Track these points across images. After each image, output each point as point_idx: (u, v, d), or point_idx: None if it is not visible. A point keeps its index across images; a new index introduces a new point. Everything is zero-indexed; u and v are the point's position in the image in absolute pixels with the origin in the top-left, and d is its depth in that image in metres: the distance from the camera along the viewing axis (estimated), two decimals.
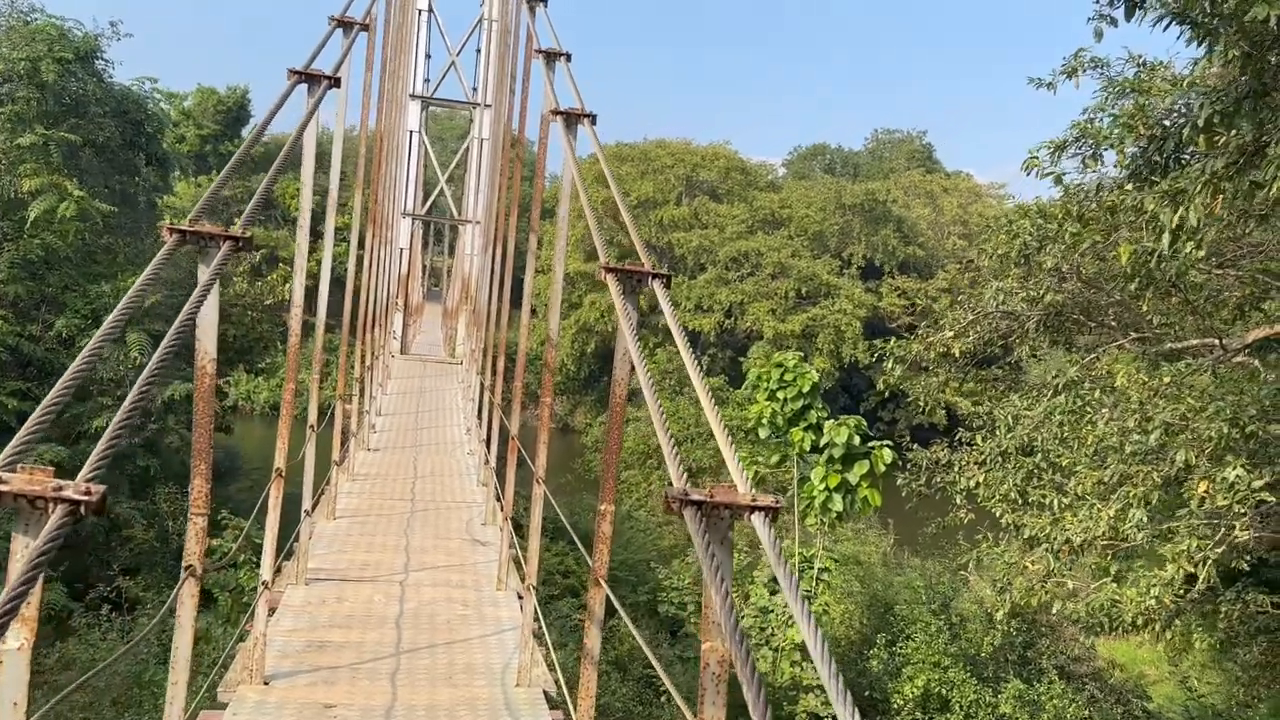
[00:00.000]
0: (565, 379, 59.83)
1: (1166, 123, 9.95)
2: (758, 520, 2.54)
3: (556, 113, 6.23)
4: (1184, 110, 9.81)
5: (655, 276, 3.93)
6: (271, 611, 7.41)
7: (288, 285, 35.34)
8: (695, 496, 2.51)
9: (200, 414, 3.65)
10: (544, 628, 6.63)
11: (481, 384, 15.02)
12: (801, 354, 16.96)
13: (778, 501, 2.57)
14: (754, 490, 2.64)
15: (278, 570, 8.27)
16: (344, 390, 11.56)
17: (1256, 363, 15.65)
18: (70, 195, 19.94)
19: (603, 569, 4.15)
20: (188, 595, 3.76)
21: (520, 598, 8.37)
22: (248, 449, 36.65)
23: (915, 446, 18.52)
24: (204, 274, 3.38)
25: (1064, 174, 13.33)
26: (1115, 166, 12.51)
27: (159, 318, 22.89)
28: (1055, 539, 14.05)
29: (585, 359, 61.43)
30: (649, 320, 60.24)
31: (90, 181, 22.40)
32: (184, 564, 3.76)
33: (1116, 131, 10.55)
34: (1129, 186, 10.98)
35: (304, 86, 6.01)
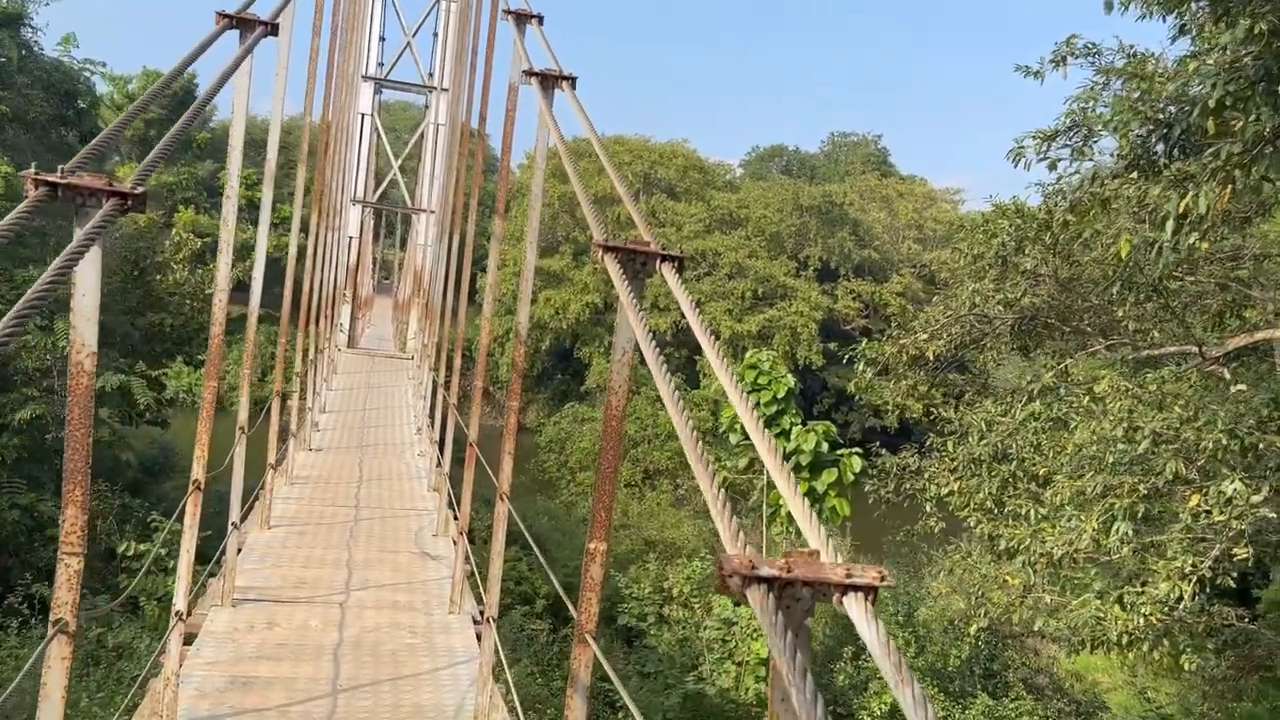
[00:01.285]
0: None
1: (1172, 108, 9.36)
2: (854, 604, 1.75)
3: (531, 74, 5.40)
4: (1188, 95, 9.22)
5: (666, 258, 3.13)
6: (190, 639, 6.48)
7: (234, 270, 33.87)
8: (766, 572, 1.71)
9: (75, 423, 2.79)
10: (505, 665, 5.77)
11: (435, 381, 14.11)
12: (773, 355, 16.21)
13: (881, 576, 1.77)
14: (840, 557, 1.85)
15: (201, 589, 7.32)
16: (282, 386, 10.56)
17: (1226, 372, 15.28)
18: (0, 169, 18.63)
19: (591, 623, 3.33)
20: (57, 658, 2.88)
21: (476, 622, 7.51)
22: (185, 444, 35.20)
23: (884, 452, 17.93)
24: (79, 237, 2.50)
25: (1059, 160, 12.73)
26: (1112, 156, 11.94)
27: None
28: (1034, 550, 13.50)
29: (539, 356, 60.47)
30: (604, 318, 59.45)
31: (17, 158, 21.01)
32: (51, 618, 2.88)
33: (1120, 115, 9.95)
34: (1133, 175, 10.39)
35: (235, 34, 5.11)
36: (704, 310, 59.46)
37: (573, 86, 5.32)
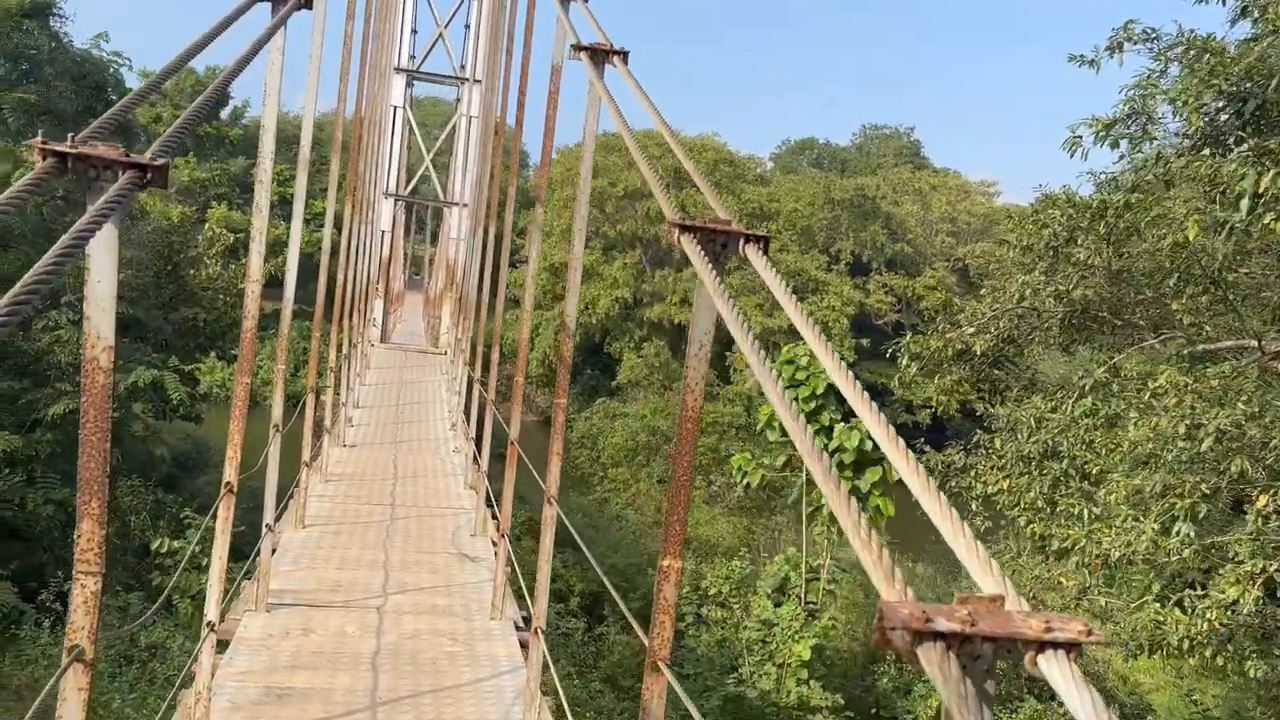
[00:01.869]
0: (548, 370, 58.54)
1: (1247, 83, 8.84)
2: (1055, 665, 1.37)
3: (580, 49, 5.04)
4: (1266, 67, 8.70)
5: (751, 238, 2.76)
6: (222, 645, 6.20)
7: (267, 266, 33.89)
8: (944, 625, 1.34)
9: (90, 426, 2.46)
10: (556, 679, 5.43)
11: (470, 377, 13.81)
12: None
13: (1087, 630, 1.40)
14: (1027, 605, 1.47)
15: (235, 593, 7.05)
16: (316, 382, 10.28)
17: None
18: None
19: (665, 648, 2.97)
20: (73, 689, 2.57)
21: (518, 628, 7.18)
22: (218, 439, 35.27)
23: (928, 449, 17.45)
24: (90, 212, 2.18)
25: (1122, 138, 12.17)
26: (1178, 136, 11.40)
27: (120, 299, 21.47)
28: (1089, 552, 13.00)
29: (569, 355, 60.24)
30: (633, 313, 59.09)
31: None
32: (66, 644, 2.56)
33: (1190, 89, 9.42)
34: (1204, 152, 9.87)
35: (267, 6, 4.79)
36: (734, 304, 58.96)
37: (624, 61, 4.96)
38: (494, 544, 9.59)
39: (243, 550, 16.56)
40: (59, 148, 2.35)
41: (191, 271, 29.69)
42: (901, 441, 1.82)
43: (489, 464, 10.27)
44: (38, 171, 2.27)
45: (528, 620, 7.50)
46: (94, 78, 21.25)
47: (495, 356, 10.23)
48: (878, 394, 17.41)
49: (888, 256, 64.14)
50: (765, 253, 2.72)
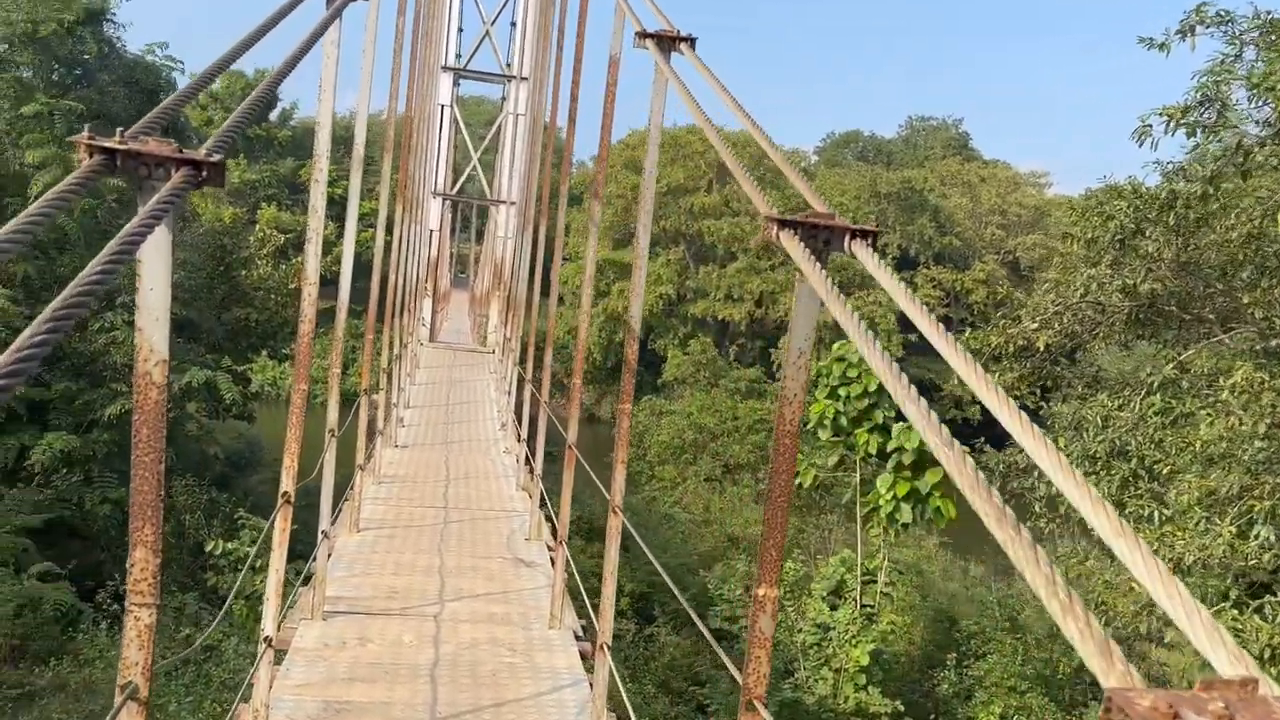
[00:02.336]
0: (592, 368, 58.53)
1: None
2: None
3: (646, 35, 4.79)
4: None
5: (858, 233, 2.49)
6: (279, 656, 6.05)
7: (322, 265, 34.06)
8: None
9: (143, 446, 2.26)
10: (625, 696, 5.18)
11: (520, 376, 13.64)
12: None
13: None
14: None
15: (292, 601, 6.91)
16: (369, 382, 10.16)
17: None
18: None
19: (761, 686, 2.71)
20: None
21: (578, 638, 6.97)
22: (270, 438, 35.56)
23: (988, 449, 17.01)
24: (142, 214, 1.97)
25: (1196, 126, 11.66)
26: (1257, 125, 10.89)
27: (174, 300, 21.64)
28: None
29: (613, 348, 60.16)
30: (677, 310, 58.84)
31: None
32: (119, 681, 2.37)
33: (1276, 74, 8.95)
34: None
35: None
36: (779, 300, 58.47)
37: (692, 48, 4.70)
38: (549, 548, 9.40)
39: (296, 549, 16.61)
40: (107, 143, 2.15)
41: (243, 272, 29.96)
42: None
43: (538, 463, 10.08)
44: (84, 169, 2.07)
45: (586, 629, 7.29)
46: (147, 83, 21.43)
47: (548, 358, 10.03)
48: (925, 390, 16.93)
49: (935, 250, 63.09)
50: (874, 247, 2.46)
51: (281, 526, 4.81)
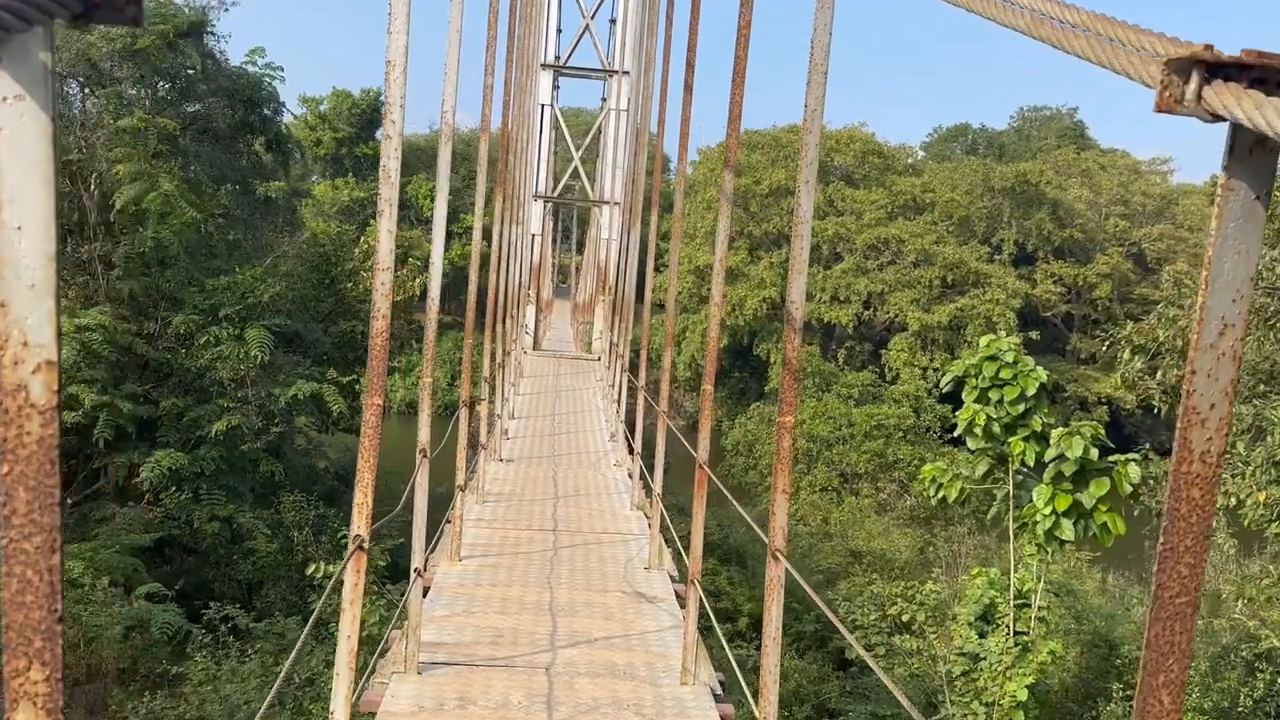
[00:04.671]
0: (694, 375, 57.33)
1: None
2: None
3: None
4: None
5: None
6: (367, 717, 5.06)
7: (418, 281, 33.88)
8: None
9: (19, 518, 1.20)
10: None
11: (632, 383, 12.59)
12: (1014, 341, 13.75)
13: None
14: None
15: (383, 650, 5.92)
16: (470, 393, 9.19)
17: None
18: (159, 187, 18.49)
19: None
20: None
21: (717, 698, 5.79)
22: (383, 447, 35.43)
23: (1152, 456, 15.20)
24: None
25: None
26: None
27: (278, 312, 21.39)
28: None
29: (718, 352, 58.87)
30: (780, 313, 56.91)
31: (199, 167, 21.04)
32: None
33: None
34: None
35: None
36: (887, 301, 56.18)
37: None
38: (671, 577, 8.27)
39: (398, 564, 15.80)
40: None
41: (348, 285, 29.82)
42: None
43: (657, 482, 8.95)
44: None
45: (723, 683, 6.12)
46: (247, 93, 21.25)
47: (667, 361, 8.89)
48: (1048, 391, 14.93)
49: (1055, 244, 60.08)
50: None
51: (353, 581, 3.76)
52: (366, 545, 3.73)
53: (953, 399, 15.11)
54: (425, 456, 5.70)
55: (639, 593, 7.75)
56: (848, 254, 57.99)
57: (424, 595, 6.32)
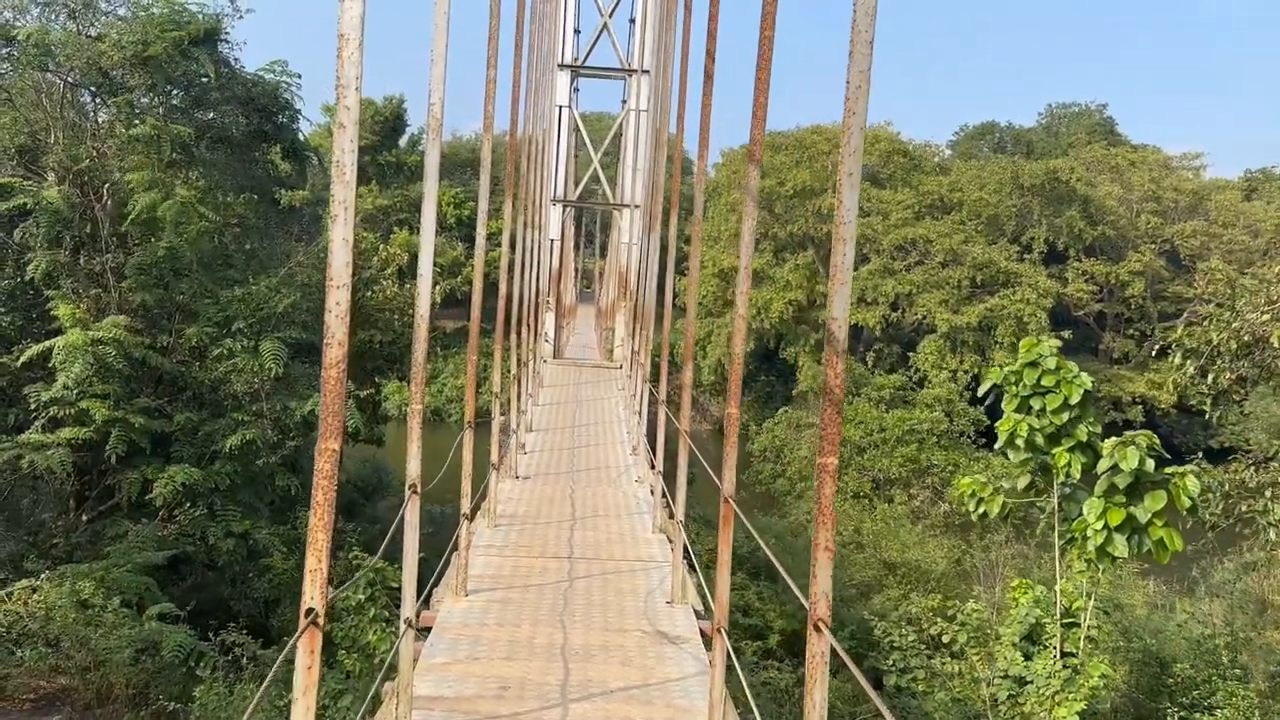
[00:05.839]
0: (720, 378, 56.56)
1: None
2: None
3: None
4: None
5: None
6: None
7: (438, 288, 33.43)
8: None
9: None
10: None
11: (653, 394, 11.94)
12: (1055, 346, 12.95)
13: None
14: None
15: (369, 706, 5.30)
16: (474, 415, 8.58)
17: None
18: (175, 195, 18.06)
19: None
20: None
21: None
22: (399, 461, 35.06)
23: (1208, 467, 14.37)
24: None
25: None
26: None
27: (294, 323, 20.90)
28: None
29: (743, 358, 58.05)
30: (807, 316, 56.18)
31: (215, 176, 20.60)
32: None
33: None
34: None
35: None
36: (916, 302, 55.10)
37: None
38: (696, 613, 7.59)
39: (422, 572, 15.29)
40: None
41: (367, 293, 29.36)
42: None
43: (679, 506, 8.29)
44: None
45: None
46: (262, 100, 20.80)
47: (687, 377, 8.24)
48: (1092, 397, 14.01)
49: (1086, 242, 58.87)
50: None
51: (306, 663, 3.14)
52: (322, 620, 3.10)
53: (984, 401, 14.37)
54: (415, 493, 5.07)
55: (660, 632, 7.08)
56: (874, 255, 57.07)
57: (426, 636, 5.69)
